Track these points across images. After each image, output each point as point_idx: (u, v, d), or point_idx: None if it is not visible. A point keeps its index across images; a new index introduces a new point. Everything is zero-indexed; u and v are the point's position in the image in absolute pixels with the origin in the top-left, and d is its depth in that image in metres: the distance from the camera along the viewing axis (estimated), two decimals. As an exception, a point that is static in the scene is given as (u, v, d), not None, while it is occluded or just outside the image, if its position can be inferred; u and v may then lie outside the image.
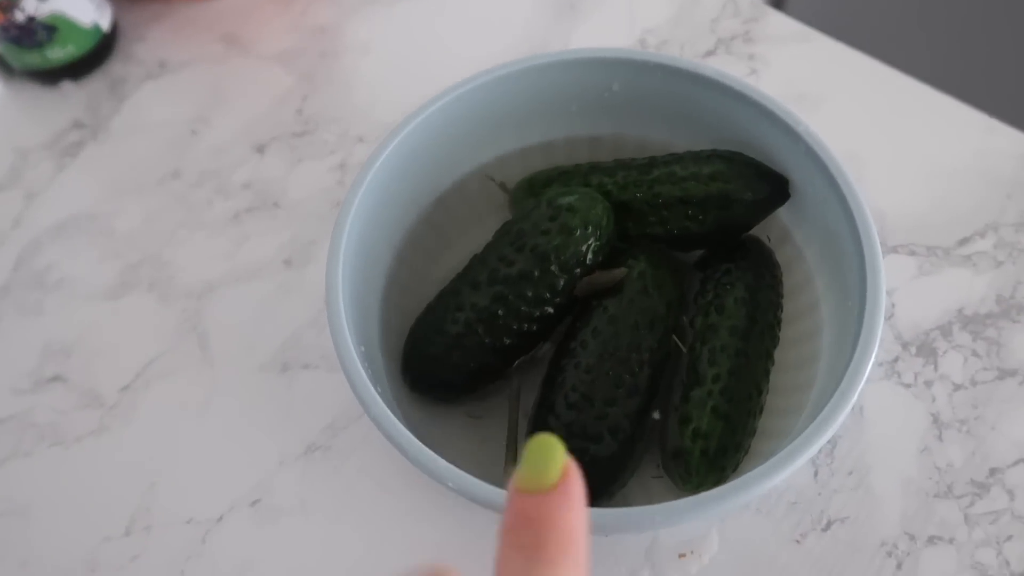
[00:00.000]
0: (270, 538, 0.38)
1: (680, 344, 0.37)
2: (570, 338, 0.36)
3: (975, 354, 0.40)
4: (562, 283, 0.36)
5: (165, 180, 0.49)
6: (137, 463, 0.40)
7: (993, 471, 0.37)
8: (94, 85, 0.52)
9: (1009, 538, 0.36)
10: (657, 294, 0.36)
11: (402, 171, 0.39)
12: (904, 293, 0.42)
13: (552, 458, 0.19)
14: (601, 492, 0.34)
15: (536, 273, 0.36)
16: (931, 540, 0.36)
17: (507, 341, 0.36)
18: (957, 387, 0.39)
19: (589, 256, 0.37)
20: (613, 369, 0.34)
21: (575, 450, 0.33)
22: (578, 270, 0.36)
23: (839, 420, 0.30)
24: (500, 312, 0.36)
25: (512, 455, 0.36)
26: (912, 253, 0.43)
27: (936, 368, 0.40)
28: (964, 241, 0.43)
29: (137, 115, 0.51)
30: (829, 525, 0.36)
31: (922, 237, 0.43)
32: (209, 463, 0.40)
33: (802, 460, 0.30)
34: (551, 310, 0.36)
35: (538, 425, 0.35)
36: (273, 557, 0.37)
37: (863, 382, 0.31)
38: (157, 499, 0.39)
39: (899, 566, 0.35)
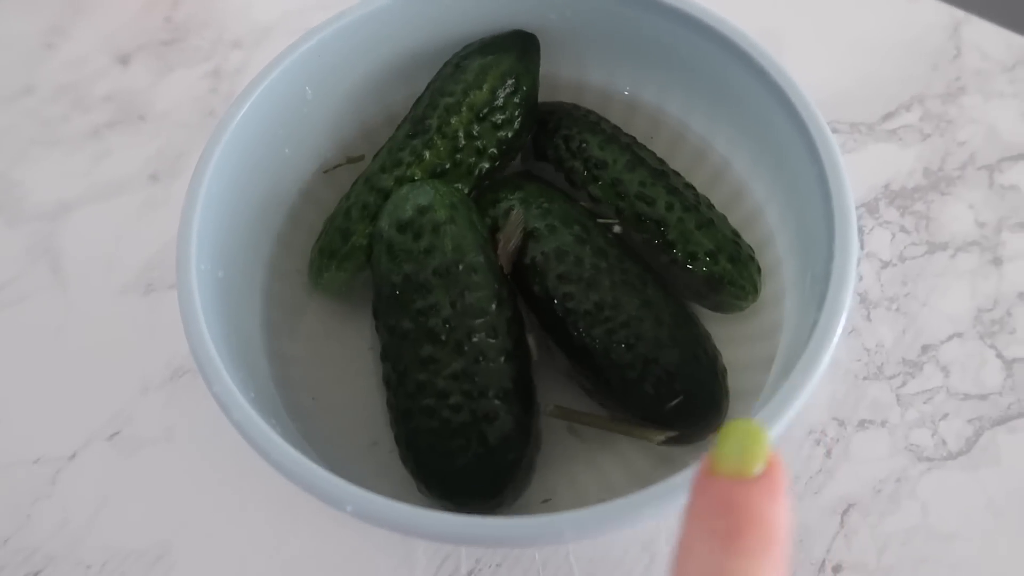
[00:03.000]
0: (131, 472, 0.33)
1: (608, 220, 0.32)
2: (547, 306, 0.30)
3: (903, 229, 0.37)
4: (493, 272, 0.29)
5: (16, 97, 0.43)
6: (-23, 400, 0.35)
7: (925, 348, 0.34)
8: (-65, 1, 0.47)
9: (945, 416, 0.33)
10: (554, 202, 0.32)
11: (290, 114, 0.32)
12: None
13: (758, 444, 0.18)
14: (715, 378, 0.29)
15: (466, 289, 0.28)
16: (862, 424, 0.33)
17: (513, 372, 0.28)
18: (885, 264, 0.36)
19: (482, 227, 0.31)
20: (614, 285, 0.29)
21: (670, 373, 0.28)
22: (485, 254, 0.30)
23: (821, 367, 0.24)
24: (481, 359, 0.28)
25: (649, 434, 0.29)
26: (834, 131, 0.40)
27: (862, 246, 0.36)
28: (889, 116, 0.40)
29: (-16, 31, 0.46)
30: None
31: (844, 114, 0.40)
32: (61, 396, 0.35)
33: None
34: (509, 308, 0.29)
35: (626, 390, 0.29)
36: (134, 492, 0.33)
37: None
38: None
39: (828, 453, 0.32)
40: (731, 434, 0.19)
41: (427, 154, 0.32)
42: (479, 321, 0.27)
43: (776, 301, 0.31)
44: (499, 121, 0.32)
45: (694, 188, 0.33)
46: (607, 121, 0.34)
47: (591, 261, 0.30)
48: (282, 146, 0.32)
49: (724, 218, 0.32)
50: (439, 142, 0.32)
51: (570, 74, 0.36)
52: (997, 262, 0.36)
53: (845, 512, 0.31)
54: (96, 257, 0.38)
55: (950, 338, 0.34)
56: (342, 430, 0.31)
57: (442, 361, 0.27)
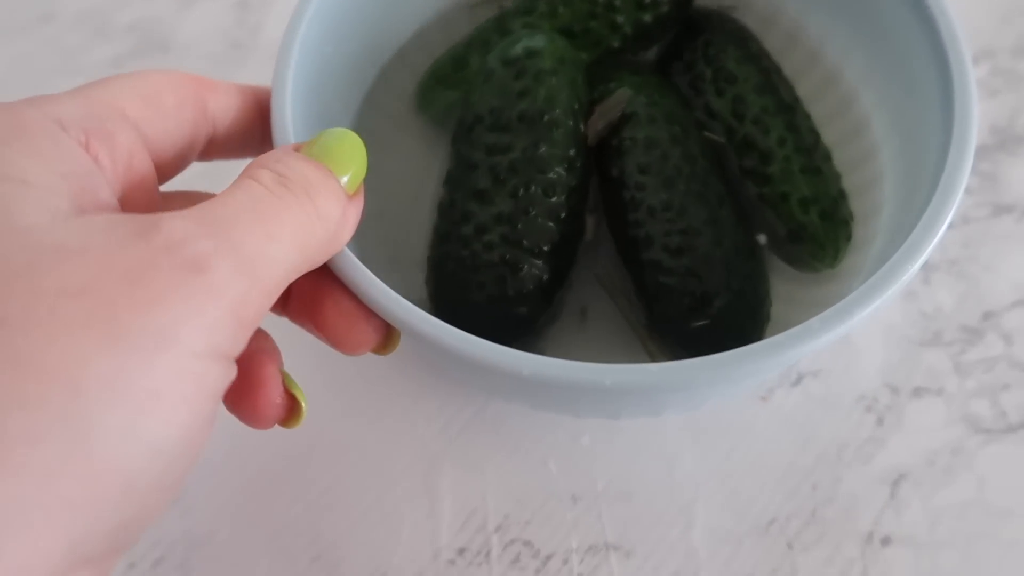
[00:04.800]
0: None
1: (715, 137, 0.31)
2: (617, 191, 0.29)
3: (967, 190, 0.35)
4: (574, 138, 0.28)
5: (36, 23, 0.42)
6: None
7: (987, 315, 0.32)
8: (-46, -79, 0.45)
9: (1006, 387, 0.31)
10: (665, 98, 0.30)
11: None
12: (886, 129, 0.36)
13: (359, 157, 0.22)
14: (753, 321, 0.28)
15: (542, 141, 0.27)
16: (916, 392, 0.31)
17: (555, 237, 0.27)
18: (947, 225, 0.34)
19: (581, 93, 0.29)
20: (689, 192, 0.28)
21: (707, 294, 0.27)
22: (575, 119, 0.28)
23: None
24: (531, 210, 0.27)
25: (651, 346, 0.29)
26: (896, 84, 0.37)
27: (923, 205, 0.34)
28: (955, 70, 0.38)
29: (5, -46, 0.44)
30: (800, 379, 0.31)
31: (907, 66, 0.38)
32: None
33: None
34: (576, 178, 0.28)
35: (658, 294, 0.28)
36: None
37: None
38: None
39: (880, 422, 0.30)
40: (341, 139, 0.21)
41: (561, 10, 0.31)
42: (541, 176, 0.27)
43: (850, 276, 0.29)
44: (645, 1, 0.31)
45: (818, 135, 0.31)
46: (759, 43, 0.32)
47: (676, 163, 0.28)
48: None
49: (838, 176, 0.30)
50: (578, 2, 0.31)
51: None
52: (1066, 228, 0.34)
53: (896, 483, 0.29)
54: (116, 191, 0.37)
55: (1013, 305, 0.32)
56: (387, 253, 0.30)
57: (493, 199, 0.27)
